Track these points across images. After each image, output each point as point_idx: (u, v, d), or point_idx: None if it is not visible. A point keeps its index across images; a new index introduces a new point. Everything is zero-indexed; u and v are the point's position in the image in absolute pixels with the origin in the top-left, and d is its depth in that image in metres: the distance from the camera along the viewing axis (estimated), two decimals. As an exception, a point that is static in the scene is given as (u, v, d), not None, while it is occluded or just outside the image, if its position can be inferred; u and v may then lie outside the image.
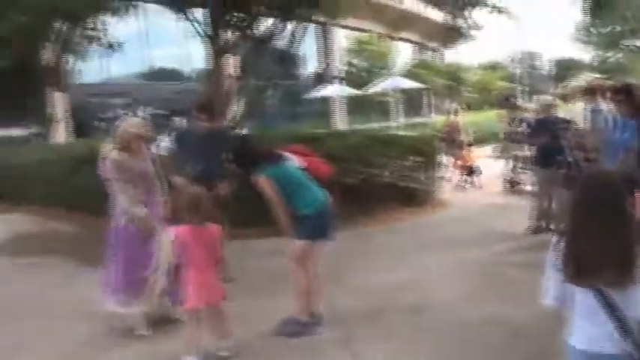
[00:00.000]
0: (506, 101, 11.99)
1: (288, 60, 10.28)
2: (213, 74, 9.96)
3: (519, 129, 11.06)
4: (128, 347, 4.42)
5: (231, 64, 17.91)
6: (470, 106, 35.09)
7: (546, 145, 7.20)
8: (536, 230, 7.31)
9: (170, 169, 5.39)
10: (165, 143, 5.49)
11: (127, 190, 4.49)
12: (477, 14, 10.71)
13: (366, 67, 30.59)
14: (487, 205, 9.60)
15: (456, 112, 13.31)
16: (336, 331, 4.48)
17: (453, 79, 35.52)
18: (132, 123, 4.65)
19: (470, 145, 12.29)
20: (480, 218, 8.58)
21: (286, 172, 4.31)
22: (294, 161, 4.44)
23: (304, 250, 4.37)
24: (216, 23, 9.96)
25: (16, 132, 18.49)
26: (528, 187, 10.26)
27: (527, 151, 10.34)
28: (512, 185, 10.87)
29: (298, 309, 4.47)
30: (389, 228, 8.18)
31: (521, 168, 10.80)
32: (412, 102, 34.76)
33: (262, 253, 6.87)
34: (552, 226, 7.29)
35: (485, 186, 11.46)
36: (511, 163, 11.14)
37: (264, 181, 4.19)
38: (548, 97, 8.13)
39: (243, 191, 7.40)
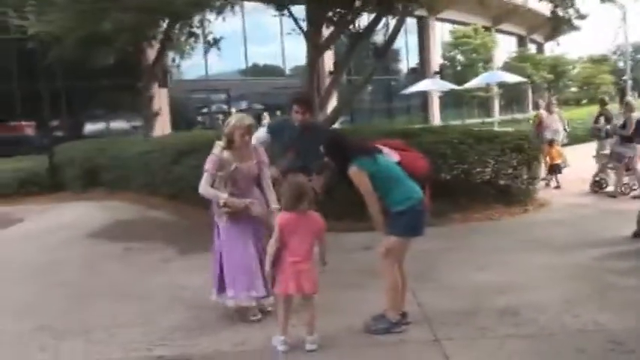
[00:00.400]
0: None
1: (385, 55, 10.12)
2: (311, 70, 10.02)
3: (599, 125, 11.32)
4: (219, 334, 4.53)
5: (329, 59, 18.05)
6: (574, 102, 33.57)
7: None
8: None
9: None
10: (260, 134, 5.54)
11: (222, 186, 4.64)
12: (581, 4, 10.16)
13: (465, 61, 29.85)
14: (584, 207, 9.12)
15: (548, 108, 12.79)
16: (425, 331, 4.38)
17: (555, 73, 34.06)
18: (238, 118, 4.74)
19: (551, 142, 11.65)
20: (578, 220, 8.18)
21: (381, 165, 4.24)
22: (389, 155, 4.37)
23: (397, 246, 4.30)
24: (316, 19, 10.02)
25: (119, 125, 19.64)
26: (610, 188, 9.96)
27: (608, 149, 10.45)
28: (598, 186, 10.36)
29: (388, 306, 4.41)
30: (483, 226, 7.95)
31: (610, 168, 10.29)
32: (512, 97, 33.67)
33: (353, 247, 6.87)
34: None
35: (566, 186, 10.91)
36: (600, 162, 10.76)
37: (357, 173, 4.16)
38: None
39: (336, 184, 7.68)
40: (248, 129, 4.64)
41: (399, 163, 4.35)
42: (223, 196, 4.58)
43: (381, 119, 27.94)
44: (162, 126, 18.61)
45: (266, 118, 21.17)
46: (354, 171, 4.16)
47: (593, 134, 11.74)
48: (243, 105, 24.79)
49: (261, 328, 4.54)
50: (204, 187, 4.64)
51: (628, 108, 10.09)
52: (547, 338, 4.14)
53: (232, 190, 4.68)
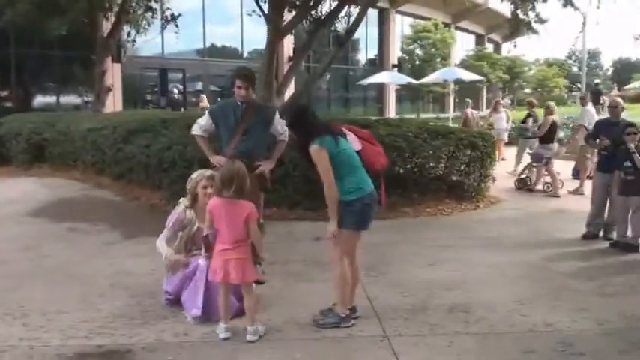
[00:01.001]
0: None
1: (346, 43, 10.01)
2: (270, 54, 9.83)
3: (526, 125, 12.31)
4: (161, 322, 4.36)
5: (289, 45, 17.84)
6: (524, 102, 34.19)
7: (608, 149, 6.90)
8: (588, 236, 7.03)
9: (207, 148, 5.28)
10: (201, 121, 5.33)
11: (182, 245, 4.68)
12: (542, 8, 10.27)
13: (424, 56, 30.00)
14: (538, 206, 9.26)
15: (495, 107, 14.24)
16: (374, 326, 4.32)
17: (511, 73, 34.64)
18: (199, 173, 4.71)
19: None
20: (529, 218, 8.29)
21: (341, 149, 4.13)
22: (352, 142, 4.27)
23: (344, 239, 4.20)
24: (278, 1, 9.81)
25: (70, 99, 18.95)
26: (539, 187, 10.64)
27: (532, 149, 11.25)
28: (523, 184, 10.89)
29: (338, 300, 4.32)
30: (436, 222, 7.97)
31: (533, 166, 10.89)
32: (467, 95, 34.11)
33: (303, 236, 6.78)
34: (609, 235, 6.98)
35: (499, 181, 11.15)
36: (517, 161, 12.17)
37: (318, 151, 4.02)
38: (617, 99, 7.68)
39: (289, 171, 7.66)
40: (210, 180, 4.54)
41: (358, 153, 4.24)
42: (167, 253, 4.54)
43: (338, 108, 27.89)
44: (115, 102, 18.04)
45: (203, 100, 20.94)
46: (315, 149, 4.03)
47: (520, 133, 12.86)
48: (199, 86, 24.33)
49: (206, 318, 4.39)
50: (159, 241, 4.61)
51: (547, 111, 10.73)
52: (496, 337, 4.13)
53: (193, 249, 4.65)
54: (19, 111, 14.76)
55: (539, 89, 39.74)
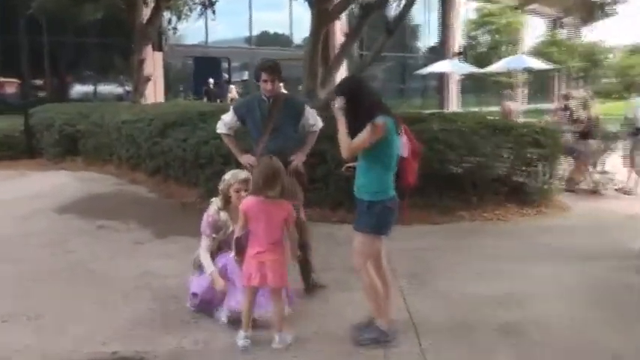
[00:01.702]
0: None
1: (396, 30, 9.86)
2: (314, 39, 9.78)
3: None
4: (183, 329, 4.39)
5: (338, 30, 17.80)
6: (606, 94, 33.13)
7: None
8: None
9: (234, 147, 5.30)
10: (225, 117, 5.34)
11: (216, 250, 4.70)
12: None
13: (490, 43, 29.47)
14: (607, 211, 8.89)
15: (565, 98, 13.17)
16: (410, 343, 4.22)
17: (590, 61, 33.58)
18: (232, 173, 4.73)
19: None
20: (599, 227, 7.94)
21: (392, 143, 4.08)
22: (402, 144, 4.20)
23: (367, 243, 4.16)
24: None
25: (108, 89, 19.45)
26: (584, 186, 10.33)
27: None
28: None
29: (375, 313, 4.25)
30: (493, 227, 7.76)
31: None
32: (540, 85, 33.31)
33: (346, 240, 6.68)
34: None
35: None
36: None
37: (381, 127, 3.98)
38: None
39: (330, 169, 7.63)
40: (244, 183, 4.55)
41: (401, 159, 4.18)
42: (211, 272, 4.53)
43: (394, 100, 27.66)
44: (156, 93, 18.44)
45: (232, 92, 21.12)
46: (380, 122, 3.97)
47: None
48: (245, 76, 24.57)
49: (230, 325, 4.39)
50: (203, 254, 4.61)
51: (584, 105, 10.64)
52: (549, 360, 3.97)
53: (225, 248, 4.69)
54: (54, 101, 15.22)
55: (621, 78, 38.37)
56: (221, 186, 4.67)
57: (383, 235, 4.21)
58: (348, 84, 4.29)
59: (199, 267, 4.65)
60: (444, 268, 5.99)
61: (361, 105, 4.07)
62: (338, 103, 4.12)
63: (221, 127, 5.31)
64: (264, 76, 4.99)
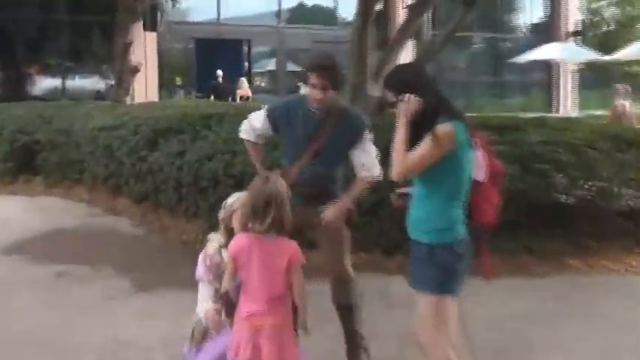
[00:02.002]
0: None
1: (489, 2, 9.82)
2: (365, 15, 9.78)
3: None
4: None
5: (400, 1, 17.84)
6: None
7: None
8: None
9: (258, 161, 5.35)
10: (254, 119, 5.34)
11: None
12: None
13: (620, 18, 29.20)
14: None
15: None
16: None
17: None
18: (239, 197, 4.69)
19: None
20: None
21: (467, 154, 4.07)
22: (476, 161, 4.17)
23: (430, 306, 4.12)
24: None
25: (83, 83, 19.76)
26: None
27: None
28: None
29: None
30: (620, 283, 7.59)
31: None
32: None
33: (403, 299, 6.60)
34: None
35: None
36: None
37: (449, 133, 3.96)
38: None
39: (383, 196, 7.56)
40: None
41: (476, 184, 4.13)
42: (206, 309, 4.51)
43: (481, 99, 27.52)
44: (147, 88, 18.69)
45: (243, 86, 21.59)
46: (444, 130, 3.94)
47: None
48: (270, 65, 24.78)
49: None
50: (201, 306, 4.57)
51: None
52: None
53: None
54: (4, 100, 15.49)
55: None
56: (222, 214, 4.65)
57: (450, 294, 4.13)
58: (401, 74, 4.29)
59: (200, 333, 4.62)
60: (550, 343, 5.86)
61: (426, 108, 4.05)
62: (402, 98, 4.12)
63: (247, 132, 5.32)
64: (312, 78, 4.93)
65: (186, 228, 9.12)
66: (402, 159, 4.01)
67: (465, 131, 4.05)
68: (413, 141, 4.02)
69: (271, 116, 5.19)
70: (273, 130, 5.22)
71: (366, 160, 5.04)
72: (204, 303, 4.54)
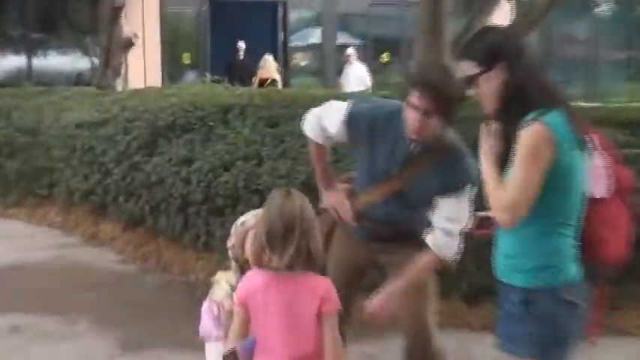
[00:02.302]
0: None
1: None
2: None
3: None
4: None
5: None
6: None
7: None
8: None
9: (321, 169, 5.47)
10: (330, 118, 5.31)
11: None
12: None
13: None
14: None
15: None
16: None
17: None
18: (254, 213, 4.73)
19: None
20: None
21: (576, 162, 3.97)
22: (592, 171, 4.10)
23: None
24: None
25: (56, 63, 19.88)
26: None
27: None
28: None
29: None
30: None
31: None
32: None
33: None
34: None
35: None
36: None
37: (537, 134, 3.86)
38: None
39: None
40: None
41: (594, 202, 4.04)
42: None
43: (612, 84, 27.29)
44: (147, 71, 18.81)
45: (266, 65, 20.99)
46: (537, 130, 3.85)
47: None
48: (314, 37, 24.86)
49: None
50: None
51: None
52: None
53: None
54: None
55: None
56: (232, 241, 4.69)
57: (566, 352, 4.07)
58: (487, 38, 4.23)
59: None
60: None
61: (515, 89, 4.02)
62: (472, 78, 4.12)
63: (314, 129, 5.35)
64: (414, 97, 4.92)
65: (194, 264, 9.19)
66: (504, 197, 3.94)
67: (568, 127, 3.96)
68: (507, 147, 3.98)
69: (351, 125, 5.18)
70: (350, 141, 5.26)
71: (452, 222, 5.03)
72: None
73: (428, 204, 5.04)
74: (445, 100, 4.76)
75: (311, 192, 5.06)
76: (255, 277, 4.08)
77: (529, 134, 3.86)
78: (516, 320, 4.04)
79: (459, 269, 7.69)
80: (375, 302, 4.91)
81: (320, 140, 5.33)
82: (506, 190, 3.91)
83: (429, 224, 5.08)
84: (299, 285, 4.01)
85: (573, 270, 4.00)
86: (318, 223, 4.11)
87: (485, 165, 4.04)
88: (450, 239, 4.99)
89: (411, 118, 4.81)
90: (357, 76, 20.55)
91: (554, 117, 3.90)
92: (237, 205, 8.54)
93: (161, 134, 10.24)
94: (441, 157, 5.02)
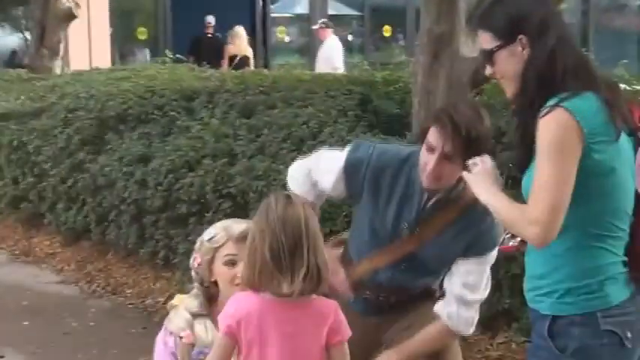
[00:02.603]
0: None
1: None
2: None
3: None
4: None
5: None
6: None
7: None
8: None
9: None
10: (325, 163, 5.33)
11: None
12: None
13: None
14: None
15: None
16: None
17: None
18: (223, 226, 4.83)
19: None
20: None
21: (616, 157, 3.92)
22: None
23: None
24: None
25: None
26: None
27: None
28: None
29: None
30: None
31: None
32: None
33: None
34: None
35: None
36: None
37: (559, 119, 3.81)
38: None
39: None
40: (241, 246, 4.51)
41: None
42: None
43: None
44: (94, 47, 18.86)
45: (238, 41, 20.82)
46: (553, 118, 3.80)
47: None
48: (302, 6, 24.97)
49: None
50: None
51: None
52: None
53: None
54: None
55: None
56: (196, 260, 4.73)
57: None
58: (509, 10, 4.11)
59: None
60: None
61: (540, 68, 3.97)
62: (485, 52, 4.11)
63: (302, 184, 5.36)
64: (432, 139, 4.79)
65: (151, 285, 9.29)
66: (531, 208, 3.85)
67: (603, 114, 3.89)
68: (525, 138, 3.99)
69: (351, 175, 5.16)
70: (349, 196, 5.27)
71: (470, 290, 5.07)
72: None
73: (444, 267, 5.10)
74: (472, 142, 4.68)
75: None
76: (249, 300, 4.02)
77: (548, 123, 3.80)
78: (544, 357, 4.01)
79: (497, 293, 7.74)
80: None
81: (311, 198, 5.20)
82: (532, 198, 3.83)
83: (441, 288, 5.14)
84: (304, 312, 4.02)
85: (615, 292, 3.94)
86: (322, 236, 4.08)
87: (490, 197, 4.05)
88: (466, 310, 5.01)
89: (427, 161, 4.77)
90: (324, 55, 20.02)
91: (583, 101, 3.83)
92: (204, 212, 8.58)
93: (110, 127, 10.35)
94: (462, 214, 5.01)
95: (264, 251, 3.96)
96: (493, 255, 5.03)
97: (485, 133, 4.74)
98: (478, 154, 4.50)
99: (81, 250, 10.42)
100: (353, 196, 5.22)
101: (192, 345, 4.62)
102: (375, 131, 9.03)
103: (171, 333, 4.69)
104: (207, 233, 4.76)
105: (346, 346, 4.07)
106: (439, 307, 5.05)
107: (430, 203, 4.96)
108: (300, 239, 3.97)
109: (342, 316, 4.08)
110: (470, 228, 4.98)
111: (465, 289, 5.01)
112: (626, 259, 3.99)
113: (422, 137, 4.83)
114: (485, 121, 4.78)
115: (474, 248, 5.01)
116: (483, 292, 5.03)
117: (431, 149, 4.73)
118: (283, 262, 3.93)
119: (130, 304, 9.13)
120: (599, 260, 3.96)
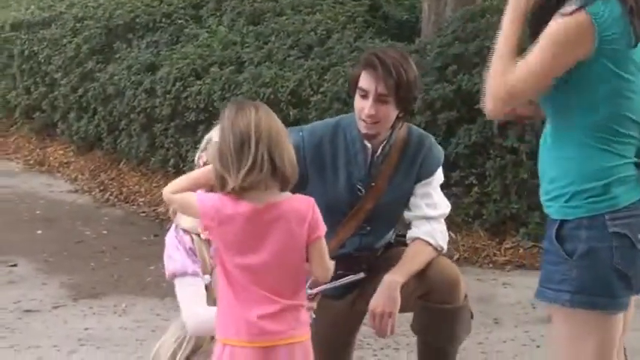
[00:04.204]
0: None
1: None
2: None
3: None
4: None
5: None
6: None
7: None
8: None
9: None
10: None
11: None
12: None
13: None
14: None
15: None
16: None
17: None
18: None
19: None
20: None
21: (625, 58, 3.76)
22: None
23: (591, 329, 3.96)
24: None
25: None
26: None
27: None
28: None
29: None
30: None
31: None
32: None
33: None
34: None
35: None
36: None
37: (579, 20, 3.71)
38: None
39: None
40: None
41: None
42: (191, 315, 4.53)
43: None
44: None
45: None
46: (572, 18, 3.62)
47: None
48: None
49: None
50: (189, 313, 4.58)
51: None
52: None
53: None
54: None
55: None
56: (204, 158, 4.55)
57: (603, 310, 3.95)
58: None
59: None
60: None
61: None
62: None
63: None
64: (363, 82, 4.82)
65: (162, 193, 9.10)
66: (502, 78, 3.79)
67: (624, 19, 3.70)
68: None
69: (307, 139, 5.12)
70: (300, 184, 5.09)
71: (431, 208, 5.16)
72: (192, 307, 4.52)
73: (403, 210, 5.18)
74: (402, 82, 4.76)
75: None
76: (221, 205, 3.88)
77: (567, 22, 3.66)
78: (553, 261, 3.91)
79: (481, 194, 7.69)
80: (377, 302, 4.87)
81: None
82: (511, 71, 3.76)
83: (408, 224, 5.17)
84: (281, 210, 3.93)
85: (624, 193, 3.83)
86: (285, 134, 3.95)
87: (507, 32, 3.83)
88: (438, 223, 5.09)
89: (363, 107, 4.81)
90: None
91: (606, 5, 3.67)
92: (211, 120, 8.46)
93: (118, 36, 10.22)
94: (404, 149, 5.08)
95: (215, 157, 3.96)
96: (440, 172, 5.18)
97: (413, 75, 4.82)
98: (408, 96, 4.77)
99: (94, 158, 10.40)
100: (297, 185, 4.66)
101: (209, 241, 4.57)
102: (383, 37, 8.93)
103: (185, 231, 4.63)
104: (214, 132, 4.68)
105: (324, 241, 4.06)
106: (412, 233, 5.12)
107: (377, 155, 5.03)
108: (248, 137, 3.90)
109: (319, 212, 4.05)
110: (416, 158, 5.09)
111: (428, 208, 5.13)
112: (638, 160, 3.88)
113: (353, 87, 4.91)
114: (412, 64, 4.85)
115: (424, 173, 5.12)
116: (446, 207, 5.14)
117: (364, 94, 4.81)
118: (229, 160, 3.88)
119: (142, 212, 9.12)
120: (603, 163, 3.88)
